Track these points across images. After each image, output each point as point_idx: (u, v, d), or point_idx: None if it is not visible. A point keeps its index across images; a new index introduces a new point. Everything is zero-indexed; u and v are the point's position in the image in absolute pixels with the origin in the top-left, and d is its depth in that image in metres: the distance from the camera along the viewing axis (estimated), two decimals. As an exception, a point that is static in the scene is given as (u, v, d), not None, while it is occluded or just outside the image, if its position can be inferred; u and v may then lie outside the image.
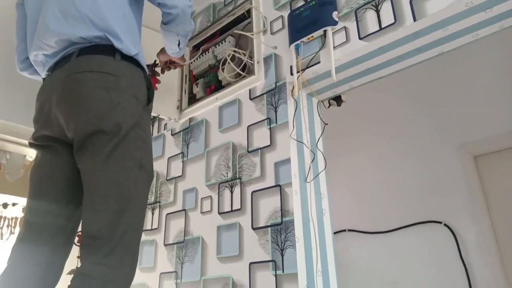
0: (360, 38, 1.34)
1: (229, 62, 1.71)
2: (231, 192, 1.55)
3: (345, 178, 2.72)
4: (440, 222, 2.27)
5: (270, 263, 1.33)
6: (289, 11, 1.59)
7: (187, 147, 1.84)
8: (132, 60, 1.18)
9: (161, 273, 1.71)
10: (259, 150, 1.52)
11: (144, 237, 1.86)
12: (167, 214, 1.80)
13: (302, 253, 1.29)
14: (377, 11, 1.32)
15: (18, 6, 1.41)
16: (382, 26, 1.29)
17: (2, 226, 2.55)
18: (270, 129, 1.51)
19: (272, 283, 1.30)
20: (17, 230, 2.59)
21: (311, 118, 1.59)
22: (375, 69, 1.47)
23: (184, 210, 1.73)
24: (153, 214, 1.89)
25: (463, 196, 2.25)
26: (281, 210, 1.36)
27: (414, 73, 2.16)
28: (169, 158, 1.92)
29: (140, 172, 1.08)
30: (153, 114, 1.80)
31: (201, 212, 1.64)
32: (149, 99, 1.21)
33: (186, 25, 1.34)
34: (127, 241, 1.01)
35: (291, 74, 1.51)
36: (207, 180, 1.67)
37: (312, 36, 1.45)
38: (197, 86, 1.89)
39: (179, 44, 1.42)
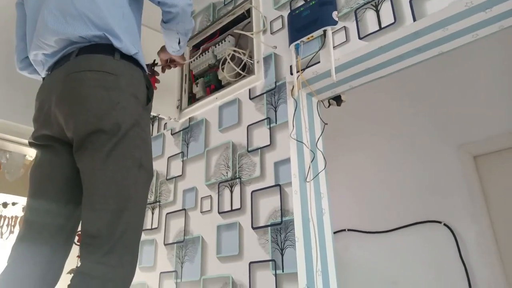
0: (360, 38, 1.34)
1: (229, 62, 1.72)
2: (231, 191, 1.56)
3: (345, 178, 2.72)
4: (440, 222, 2.27)
5: (270, 262, 1.33)
6: (289, 11, 1.59)
7: (187, 147, 1.84)
8: (131, 60, 1.18)
9: (161, 273, 1.71)
10: (259, 150, 1.52)
11: (144, 236, 1.86)
12: (167, 213, 1.81)
13: (302, 253, 1.29)
14: (377, 11, 1.32)
15: (18, 5, 1.41)
16: (382, 26, 1.29)
17: (2, 225, 2.56)
18: (270, 128, 1.51)
19: (272, 283, 1.30)
20: (16, 229, 2.59)
21: (311, 118, 1.59)
22: (375, 69, 1.47)
23: (184, 209, 1.73)
24: (153, 213, 1.89)
25: (463, 196, 2.25)
26: (281, 209, 1.36)
27: (414, 73, 2.16)
28: (169, 157, 1.92)
29: (139, 171, 1.08)
30: (153, 113, 1.80)
31: (201, 212, 1.64)
32: (149, 99, 1.21)
33: (186, 23, 1.34)
34: (127, 240, 1.01)
35: (291, 73, 1.51)
36: (207, 180, 1.67)
37: (312, 36, 1.45)
38: (197, 86, 1.89)
39: (179, 43, 1.43)
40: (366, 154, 2.71)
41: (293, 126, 1.46)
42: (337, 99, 1.66)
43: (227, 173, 1.60)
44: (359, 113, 2.74)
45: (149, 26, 1.79)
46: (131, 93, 1.13)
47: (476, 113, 2.32)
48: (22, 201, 2.59)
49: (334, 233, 1.52)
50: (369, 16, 1.34)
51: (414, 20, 1.22)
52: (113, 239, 0.99)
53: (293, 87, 1.49)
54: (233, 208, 1.52)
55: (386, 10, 1.30)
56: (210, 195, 1.63)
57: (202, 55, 1.90)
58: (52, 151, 1.18)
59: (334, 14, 1.41)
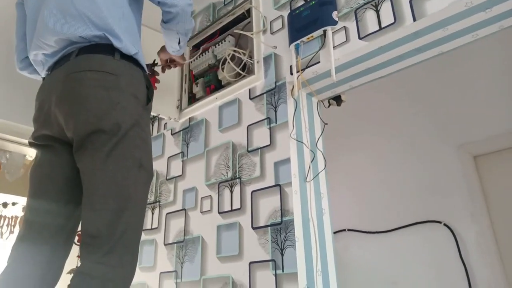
0: (360, 38, 1.34)
1: (229, 62, 1.72)
2: (231, 191, 1.56)
3: (345, 178, 2.72)
4: (440, 222, 2.27)
5: (270, 262, 1.33)
6: (289, 11, 1.59)
7: (187, 147, 1.84)
8: (131, 60, 1.18)
9: (161, 273, 1.71)
10: (259, 150, 1.52)
11: (144, 236, 1.86)
12: (167, 213, 1.81)
13: (302, 253, 1.29)
14: (377, 11, 1.32)
15: (18, 5, 1.41)
16: (382, 26, 1.29)
17: (2, 225, 2.56)
18: (270, 128, 1.51)
19: (272, 283, 1.30)
20: (16, 229, 2.59)
21: (311, 118, 1.59)
22: (375, 69, 1.47)
23: (184, 209, 1.73)
24: (153, 213, 1.89)
25: (463, 196, 2.25)
26: (281, 209, 1.36)
27: (414, 73, 2.16)
28: (169, 157, 1.92)
29: (139, 171, 1.08)
30: (153, 113, 1.80)
31: (201, 212, 1.64)
32: (149, 99, 1.21)
33: (186, 23, 1.34)
34: (127, 240, 1.01)
35: (291, 73, 1.51)
36: (207, 180, 1.67)
37: (312, 36, 1.45)
38: (197, 86, 1.89)
39: (179, 43, 1.43)
40: (366, 154, 2.71)
41: (293, 126, 1.46)
42: (337, 99, 1.66)
43: (227, 173, 1.60)
44: (359, 113, 2.74)
45: (149, 26, 1.79)
46: (131, 93, 1.13)
47: (476, 113, 2.32)
48: (22, 201, 2.59)
49: (334, 233, 1.52)
50: (369, 16, 1.34)
51: (414, 20, 1.22)
52: (113, 239, 0.98)
53: (293, 87, 1.49)
54: (233, 208, 1.52)
55: (386, 10, 1.30)
56: (210, 195, 1.63)
57: (202, 55, 1.90)
58: (52, 151, 1.18)
59: (334, 14, 1.41)
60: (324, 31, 1.42)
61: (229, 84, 1.72)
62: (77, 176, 1.11)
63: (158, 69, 1.72)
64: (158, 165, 1.95)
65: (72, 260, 1.95)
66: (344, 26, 1.40)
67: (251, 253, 1.39)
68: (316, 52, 1.44)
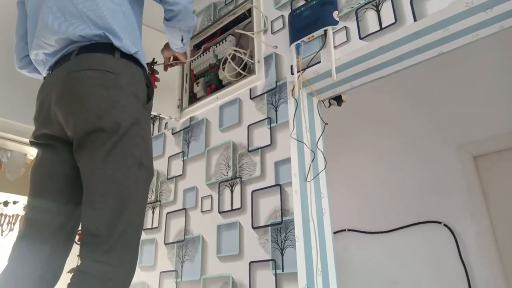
0: (360, 38, 1.34)
1: (229, 62, 1.72)
2: (231, 191, 1.56)
3: (345, 178, 2.72)
4: (440, 222, 2.27)
5: (270, 262, 1.33)
6: (290, 11, 1.59)
7: (188, 146, 1.84)
8: (131, 58, 1.18)
9: (161, 272, 1.71)
10: (260, 150, 1.52)
11: (144, 236, 1.86)
12: (168, 213, 1.81)
13: (302, 253, 1.30)
14: (378, 11, 1.32)
15: (19, 4, 1.41)
16: (383, 26, 1.29)
17: (3, 223, 2.56)
18: (270, 128, 1.51)
19: (272, 282, 1.30)
20: (16, 227, 2.60)
21: (311, 118, 1.59)
22: (376, 69, 1.47)
23: (185, 209, 1.73)
24: (153, 213, 1.89)
25: (462, 196, 2.25)
26: (281, 209, 1.36)
27: (414, 73, 2.16)
28: (169, 157, 1.92)
29: (139, 170, 1.08)
30: (153, 113, 1.81)
31: (201, 211, 1.64)
32: (149, 97, 1.21)
33: (188, 20, 1.34)
34: (127, 239, 1.01)
35: (292, 73, 1.52)
36: (208, 179, 1.68)
37: (313, 36, 1.46)
38: (197, 85, 1.89)
39: (182, 40, 1.43)
40: (366, 154, 2.71)
41: (294, 126, 1.46)
42: (338, 99, 1.66)
43: (227, 172, 1.61)
44: (359, 113, 2.74)
45: (149, 25, 1.79)
46: (131, 91, 1.13)
47: (476, 113, 2.32)
48: (23, 200, 2.60)
49: (334, 233, 1.52)
50: (370, 16, 1.34)
51: (415, 20, 1.22)
52: (113, 238, 0.99)
53: (293, 87, 1.49)
54: (234, 207, 1.52)
55: (386, 10, 1.30)
56: (211, 195, 1.63)
57: (203, 55, 1.90)
58: (53, 150, 1.19)
59: (335, 14, 1.41)
60: (325, 31, 1.42)
61: (229, 83, 1.72)
62: (78, 175, 1.10)
63: (158, 67, 1.72)
64: (159, 165, 1.95)
65: (73, 259, 1.95)
66: (345, 26, 1.40)
67: (251, 252, 1.40)
68: (316, 52, 1.44)
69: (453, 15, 1.19)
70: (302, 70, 1.45)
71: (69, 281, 0.95)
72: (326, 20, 1.41)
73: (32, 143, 1.24)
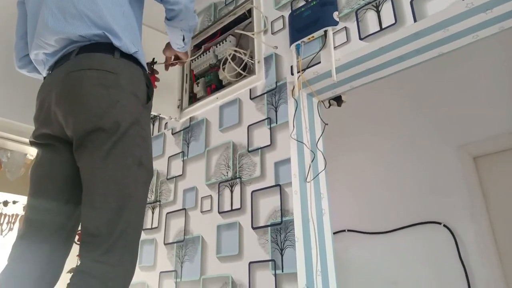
0: (360, 39, 1.34)
1: (229, 62, 1.72)
2: (231, 191, 1.56)
3: (345, 178, 2.72)
4: (440, 223, 2.27)
5: (270, 262, 1.33)
6: (290, 11, 1.59)
7: (188, 146, 1.84)
8: (131, 58, 1.18)
9: (161, 272, 1.71)
10: (259, 150, 1.52)
11: (144, 236, 1.86)
12: (167, 213, 1.81)
13: (301, 253, 1.30)
14: (378, 12, 1.32)
15: (19, 4, 1.41)
16: (383, 27, 1.29)
17: (2, 223, 2.56)
18: (270, 128, 1.51)
19: (271, 283, 1.30)
20: (16, 226, 2.60)
21: (311, 118, 1.59)
22: (376, 70, 1.47)
23: (184, 209, 1.73)
24: (153, 213, 1.89)
25: (462, 196, 2.25)
26: (281, 209, 1.36)
27: (414, 73, 2.17)
28: (169, 157, 1.92)
29: (139, 170, 1.08)
30: (153, 113, 1.81)
31: (201, 211, 1.64)
32: (149, 97, 1.21)
33: (190, 20, 1.34)
34: (127, 239, 1.01)
35: (292, 74, 1.52)
36: (207, 180, 1.68)
37: (313, 36, 1.46)
38: (197, 86, 1.89)
39: (183, 39, 1.43)
40: (366, 154, 2.72)
41: (294, 126, 1.46)
42: (338, 100, 1.66)
43: (227, 173, 1.61)
44: (359, 113, 2.75)
45: (149, 25, 1.79)
46: (131, 91, 1.13)
47: (476, 113, 2.32)
48: (23, 199, 2.60)
49: (334, 233, 1.52)
50: (370, 16, 1.34)
51: (415, 21, 1.22)
52: (113, 238, 0.98)
53: (293, 87, 1.49)
54: (233, 208, 1.52)
55: (386, 10, 1.30)
56: (210, 195, 1.63)
57: (203, 55, 1.90)
58: (53, 150, 1.19)
59: (335, 15, 1.42)
60: (325, 32, 1.42)
61: (229, 84, 1.72)
62: (78, 175, 1.11)
63: (158, 67, 1.72)
64: (159, 165, 1.95)
65: (73, 259, 1.95)
66: (345, 27, 1.40)
67: (251, 253, 1.40)
68: (316, 53, 1.45)
69: (453, 16, 1.19)
70: (302, 70, 1.45)
71: (69, 281, 0.95)
72: (326, 20, 1.41)
73: (32, 143, 1.24)
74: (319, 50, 1.44)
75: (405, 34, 1.27)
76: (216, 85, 1.81)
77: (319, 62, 1.43)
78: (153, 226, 1.86)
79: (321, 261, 1.35)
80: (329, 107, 1.68)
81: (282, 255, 1.30)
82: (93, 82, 1.09)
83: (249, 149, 1.56)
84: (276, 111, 1.52)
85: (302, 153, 1.47)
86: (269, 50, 1.65)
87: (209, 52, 1.87)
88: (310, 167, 1.47)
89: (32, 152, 2.26)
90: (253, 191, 1.48)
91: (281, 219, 1.35)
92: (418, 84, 2.57)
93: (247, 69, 1.71)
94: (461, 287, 2.10)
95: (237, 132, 1.63)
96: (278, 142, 1.47)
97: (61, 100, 1.11)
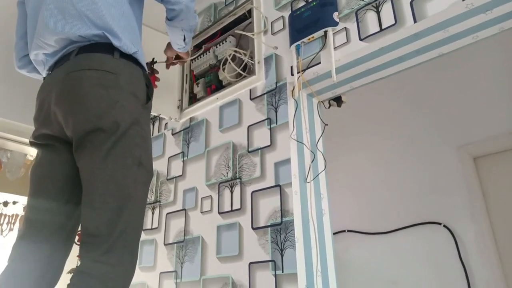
0: (360, 39, 1.34)
1: (229, 62, 1.72)
2: (231, 192, 1.56)
3: (345, 178, 2.72)
4: (440, 223, 2.27)
5: (270, 263, 1.33)
6: (290, 12, 1.59)
7: (188, 147, 1.84)
8: (131, 58, 1.18)
9: (161, 273, 1.71)
10: (259, 150, 1.52)
11: (144, 236, 1.86)
12: (167, 213, 1.81)
13: (301, 253, 1.30)
14: (378, 12, 1.32)
15: (19, 4, 1.41)
16: (383, 27, 1.29)
17: (2, 223, 2.56)
18: (270, 129, 1.52)
19: (271, 283, 1.30)
20: (16, 227, 2.60)
21: (311, 119, 1.59)
22: (376, 70, 1.47)
23: (184, 209, 1.73)
24: (153, 213, 1.89)
25: (462, 196, 2.25)
26: (281, 210, 1.36)
27: (414, 74, 2.17)
28: (169, 157, 1.92)
29: (139, 170, 1.08)
30: (153, 113, 1.81)
31: (201, 212, 1.64)
32: (149, 97, 1.21)
33: (190, 20, 1.34)
34: (126, 239, 1.01)
35: (292, 74, 1.52)
36: (207, 180, 1.68)
37: (313, 37, 1.46)
38: (197, 86, 1.89)
39: (184, 39, 1.43)
40: (366, 154, 2.72)
41: (294, 126, 1.46)
42: (338, 100, 1.66)
43: (227, 173, 1.61)
44: (359, 113, 2.75)
45: (149, 25, 1.79)
46: (130, 91, 1.13)
47: (476, 114, 2.32)
48: (23, 200, 2.60)
49: (334, 234, 1.52)
50: (370, 17, 1.34)
51: (415, 21, 1.22)
52: (113, 238, 0.98)
53: (293, 87, 1.49)
54: (233, 208, 1.52)
55: (386, 11, 1.30)
56: (210, 195, 1.63)
57: (203, 55, 1.90)
58: (53, 150, 1.19)
59: (335, 15, 1.42)
60: (325, 32, 1.43)
61: (229, 84, 1.72)
62: (77, 175, 1.11)
63: (158, 67, 1.72)
64: (159, 165, 1.95)
65: (73, 259, 1.95)
66: (345, 27, 1.40)
67: (251, 253, 1.40)
68: (316, 53, 1.45)
69: (453, 17, 1.19)
70: (302, 71, 1.45)
71: (69, 281, 0.95)
72: (326, 21, 1.41)
73: (32, 143, 1.24)
74: (319, 51, 1.44)
75: (405, 34, 1.27)
76: (216, 86, 1.81)
77: (319, 63, 1.43)
78: (153, 227, 1.86)
79: (321, 261, 1.35)
80: (329, 107, 1.68)
81: (282, 256, 1.30)
82: (93, 82, 1.09)
83: (249, 149, 1.56)
84: (276, 112, 1.52)
85: (302, 154, 1.47)
86: (269, 50, 1.65)
87: (209, 52, 1.87)
88: (310, 167, 1.47)
89: (32, 153, 2.26)
90: (253, 192, 1.48)
91: (281, 219, 1.35)
92: (418, 85, 2.58)
93: (247, 70, 1.71)
94: (461, 287, 2.11)
95: (237, 133, 1.63)
96: (278, 142, 1.47)
97: (61, 100, 1.11)
